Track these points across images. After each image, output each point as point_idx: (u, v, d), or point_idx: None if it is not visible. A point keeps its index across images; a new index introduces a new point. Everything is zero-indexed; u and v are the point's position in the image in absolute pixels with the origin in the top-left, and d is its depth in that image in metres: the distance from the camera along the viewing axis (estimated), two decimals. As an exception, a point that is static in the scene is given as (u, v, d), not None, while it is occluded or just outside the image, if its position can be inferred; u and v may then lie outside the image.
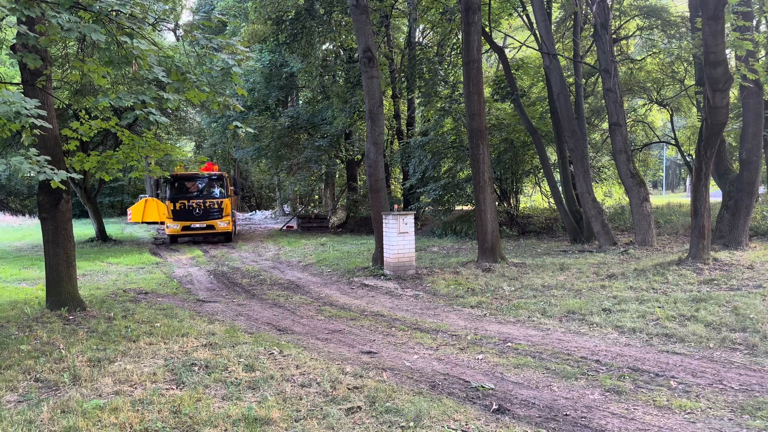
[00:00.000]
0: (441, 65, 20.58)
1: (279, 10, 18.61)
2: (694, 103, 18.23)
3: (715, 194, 12.58)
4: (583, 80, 17.24)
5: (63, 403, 4.24)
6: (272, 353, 5.59)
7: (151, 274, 12.39)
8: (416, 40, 23.09)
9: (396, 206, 11.81)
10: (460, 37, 17.87)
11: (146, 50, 5.45)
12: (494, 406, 4.16)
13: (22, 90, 7.13)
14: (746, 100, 11.31)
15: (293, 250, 16.75)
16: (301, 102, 29.02)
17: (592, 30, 14.75)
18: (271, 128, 23.67)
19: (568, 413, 4.04)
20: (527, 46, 18.56)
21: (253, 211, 40.67)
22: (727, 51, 9.83)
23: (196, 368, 5.08)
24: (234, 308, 8.40)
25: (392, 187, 26.39)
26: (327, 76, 23.72)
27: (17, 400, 4.38)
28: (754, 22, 12.86)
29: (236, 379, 4.76)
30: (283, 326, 7.06)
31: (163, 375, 4.91)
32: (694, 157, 14.44)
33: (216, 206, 19.12)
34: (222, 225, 18.94)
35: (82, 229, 23.24)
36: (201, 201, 18.93)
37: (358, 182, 27.14)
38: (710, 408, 4.06)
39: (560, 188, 16.03)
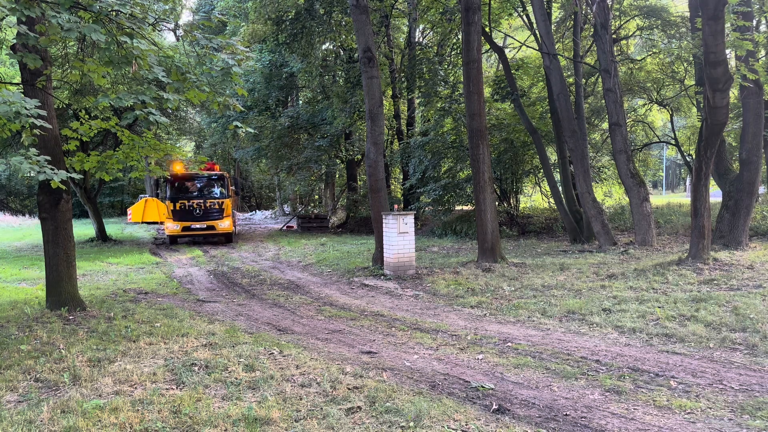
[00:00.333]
0: (441, 65, 20.58)
1: (279, 10, 18.61)
2: (694, 103, 18.23)
3: (715, 194, 12.58)
4: (583, 80, 17.24)
5: (63, 403, 4.24)
6: (272, 353, 5.59)
7: (151, 274, 12.39)
8: (416, 40, 23.09)
9: (396, 206, 11.81)
10: (460, 37, 17.87)
11: (146, 50, 5.45)
12: (494, 406, 4.16)
13: (22, 90, 7.13)
14: (746, 100, 11.31)
15: (293, 250, 16.75)
16: (301, 102, 29.02)
17: (592, 30, 14.75)
18: (271, 128, 23.67)
19: (568, 413, 4.04)
20: (527, 46, 18.56)
21: (253, 211, 40.68)
22: (727, 51, 9.83)
23: (196, 368, 5.08)
24: (234, 308, 8.40)
25: (392, 187, 26.39)
26: (327, 76, 23.72)
27: (17, 400, 4.38)
28: (754, 22, 12.86)
29: (236, 379, 4.76)
30: (283, 326, 7.06)
31: (163, 375, 4.91)
32: (694, 157, 14.44)
33: (217, 206, 18.94)
34: (223, 226, 18.75)
35: (82, 229, 23.24)
36: (201, 201, 18.74)
37: (358, 182, 27.14)
38: (710, 408, 4.06)
39: (560, 188, 16.03)
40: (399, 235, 10.53)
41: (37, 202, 7.71)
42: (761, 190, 16.23)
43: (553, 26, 17.46)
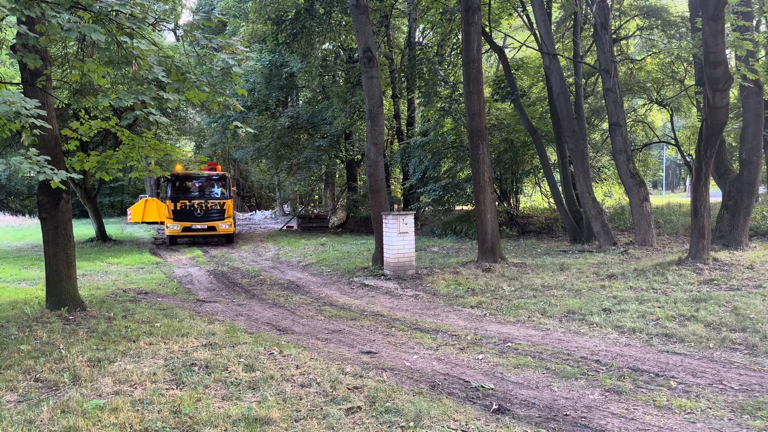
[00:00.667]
0: (441, 65, 20.57)
1: (279, 10, 18.60)
2: (694, 103, 18.23)
3: (715, 194, 12.58)
4: (583, 80, 17.24)
5: (63, 403, 4.23)
6: (272, 353, 5.59)
7: (151, 274, 12.39)
8: (416, 40, 23.09)
9: (396, 206, 11.81)
10: (460, 37, 17.87)
11: (146, 50, 5.45)
12: (494, 406, 4.16)
13: (22, 90, 7.14)
14: (746, 100, 11.31)
15: (293, 250, 16.74)
16: (301, 102, 29.02)
17: (592, 30, 14.75)
18: (271, 128, 23.66)
19: (568, 413, 4.04)
20: (527, 46, 18.56)
21: (253, 211, 40.68)
22: (727, 51, 9.83)
23: (196, 368, 5.08)
24: (234, 308, 8.40)
25: (392, 187, 26.39)
26: (327, 76, 23.72)
27: (17, 400, 4.38)
28: (754, 22, 12.86)
29: (236, 379, 4.76)
30: (283, 326, 7.06)
31: (163, 375, 4.91)
32: (694, 157, 14.44)
33: (218, 207, 18.72)
34: (224, 227, 18.53)
35: (82, 229, 23.24)
36: (203, 201, 18.55)
37: (358, 182, 27.13)
38: (710, 408, 4.06)
39: (560, 188, 16.02)
40: (399, 235, 10.53)
41: (37, 202, 7.71)
42: (761, 190, 16.24)
43: (553, 26, 17.47)
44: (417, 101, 23.84)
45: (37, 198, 7.67)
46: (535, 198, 23.38)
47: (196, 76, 6.15)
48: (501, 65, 18.25)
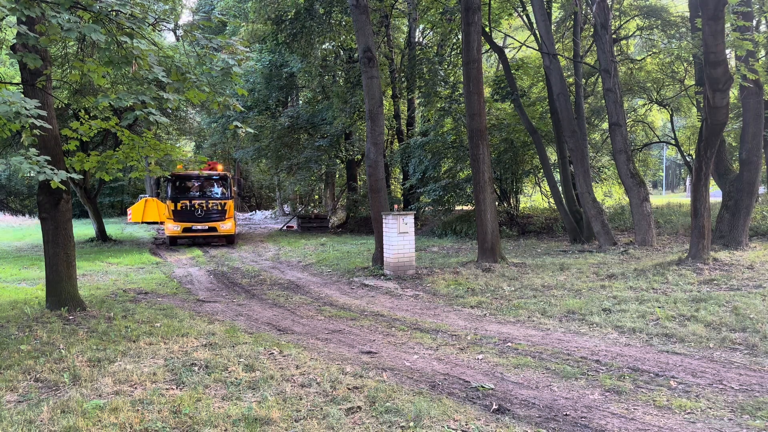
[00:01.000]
0: (441, 65, 20.57)
1: (279, 10, 18.60)
2: (694, 103, 18.23)
3: (715, 194, 12.57)
4: (583, 80, 17.24)
5: (63, 403, 4.23)
6: (272, 353, 5.59)
7: (151, 274, 12.39)
8: (416, 40, 23.09)
9: (396, 206, 11.81)
10: (460, 37, 17.87)
11: (146, 50, 5.45)
12: (494, 406, 4.16)
13: (22, 90, 7.14)
14: (746, 100, 11.31)
15: (293, 250, 16.74)
16: (301, 102, 29.02)
17: (592, 30, 14.75)
18: (271, 128, 23.66)
19: (568, 413, 4.04)
20: (527, 46, 18.56)
21: (253, 211, 40.69)
22: (727, 51, 9.83)
23: (196, 368, 5.08)
24: (234, 308, 8.40)
25: (392, 187, 26.39)
26: (327, 76, 23.71)
27: (17, 400, 4.38)
28: (754, 22, 12.86)
29: (236, 379, 4.76)
30: (283, 326, 7.06)
31: (163, 375, 4.91)
32: (694, 157, 14.44)
33: (219, 207, 18.50)
34: (225, 227, 18.31)
35: (82, 229, 23.24)
36: (203, 201, 18.34)
37: (358, 182, 27.14)
38: (710, 408, 4.06)
39: (560, 188, 16.02)
40: (399, 235, 10.53)
41: (37, 202, 7.71)
42: (761, 190, 16.24)
43: (553, 26, 17.47)
44: (417, 101, 23.83)
45: (37, 198, 7.67)
46: (535, 198, 23.38)
47: (196, 76, 6.15)
48: (501, 65, 18.25)
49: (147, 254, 16.26)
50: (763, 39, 11.98)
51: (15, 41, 7.35)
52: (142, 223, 24.08)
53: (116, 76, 12.91)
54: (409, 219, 10.66)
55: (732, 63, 11.79)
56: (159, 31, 16.03)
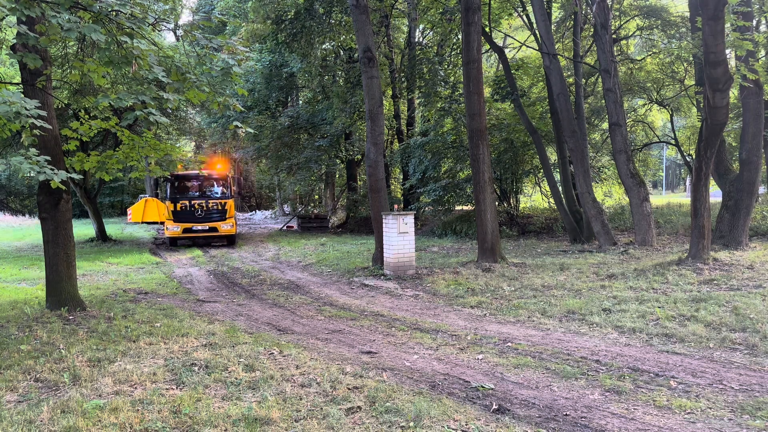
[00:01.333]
0: (441, 65, 20.56)
1: (278, 10, 18.60)
2: (694, 103, 18.23)
3: (715, 194, 12.57)
4: (583, 80, 17.24)
5: (63, 403, 4.24)
6: (272, 353, 5.59)
7: (151, 274, 12.39)
8: (416, 40, 23.09)
9: (396, 206, 11.81)
10: (460, 37, 17.86)
11: (146, 50, 5.45)
12: (494, 406, 4.16)
13: (22, 90, 7.14)
14: (746, 100, 11.31)
15: (293, 250, 16.74)
16: (301, 102, 29.02)
17: (592, 30, 14.74)
18: (271, 128, 23.66)
19: (568, 413, 4.04)
20: (527, 46, 18.56)
21: (253, 211, 40.67)
22: (727, 51, 9.83)
23: (196, 368, 5.08)
24: (234, 308, 8.40)
25: (392, 187, 26.39)
26: (327, 76, 23.71)
27: (17, 400, 4.38)
28: (754, 22, 12.86)
29: (236, 379, 4.76)
30: (283, 326, 7.06)
31: (163, 375, 4.91)
32: (694, 157, 14.44)
33: (219, 207, 18.24)
34: (225, 227, 18.06)
35: (82, 229, 23.24)
36: (203, 201, 18.06)
37: (358, 182, 27.13)
38: (710, 408, 4.06)
39: (560, 188, 16.02)
40: (399, 235, 10.53)
41: (37, 202, 7.71)
42: (761, 190, 16.24)
43: (553, 26, 17.47)
44: (417, 101, 23.83)
45: (37, 198, 7.67)
46: (535, 198, 23.38)
47: (196, 76, 6.15)
48: (501, 65, 18.25)
49: (147, 254, 16.26)
50: (763, 39, 11.98)
51: (15, 41, 7.35)
52: (142, 223, 24.06)
53: (116, 76, 12.91)
54: (409, 219, 10.66)
55: (732, 63, 11.80)
56: (159, 31, 16.03)
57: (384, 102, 18.21)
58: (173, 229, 17.90)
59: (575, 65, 16.04)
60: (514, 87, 16.23)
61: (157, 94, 5.94)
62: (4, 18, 7.45)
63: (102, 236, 20.54)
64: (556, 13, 19.47)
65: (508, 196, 19.90)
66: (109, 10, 5.12)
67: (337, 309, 8.12)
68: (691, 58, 13.33)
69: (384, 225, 10.87)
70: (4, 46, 10.30)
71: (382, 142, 12.07)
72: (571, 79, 16.57)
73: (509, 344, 5.89)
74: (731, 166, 12.80)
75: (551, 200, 18.38)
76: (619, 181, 15.99)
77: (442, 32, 20.71)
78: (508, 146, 18.15)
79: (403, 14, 21.70)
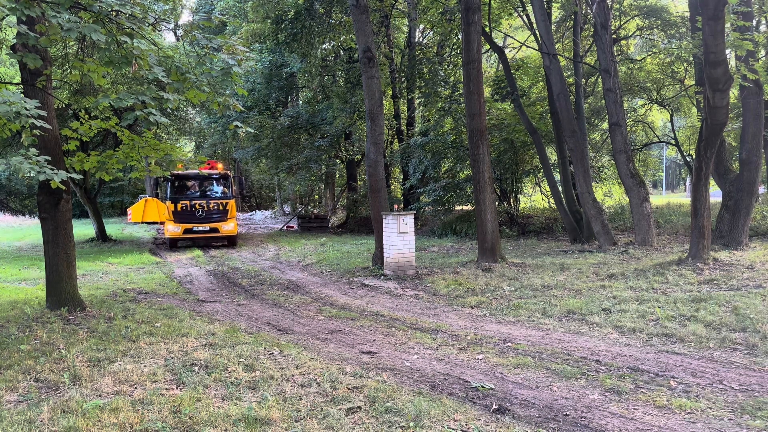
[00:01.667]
0: (441, 65, 20.58)
1: (278, 10, 18.60)
2: (694, 103, 18.23)
3: (715, 194, 12.57)
4: (583, 80, 17.24)
5: (63, 403, 4.24)
6: (272, 353, 5.59)
7: (151, 274, 12.39)
8: (416, 40, 23.09)
9: (396, 206, 11.81)
10: (460, 37, 17.86)
11: (146, 50, 5.45)
12: (494, 406, 4.16)
13: (22, 90, 7.14)
14: (746, 100, 11.31)
15: (293, 250, 16.74)
16: (301, 102, 29.03)
17: (592, 30, 14.75)
18: (271, 128, 23.67)
19: (568, 413, 4.04)
20: (527, 46, 18.56)
21: (253, 211, 40.69)
22: (727, 51, 9.83)
23: (196, 368, 5.08)
24: (234, 308, 8.40)
25: (392, 187, 26.40)
26: (327, 76, 23.73)
27: (17, 400, 4.38)
28: (754, 22, 12.86)
29: (236, 379, 4.76)
30: (283, 326, 7.06)
31: (163, 375, 4.91)
32: (694, 157, 14.43)
33: (220, 208, 17.95)
34: (227, 228, 17.79)
35: (82, 229, 23.25)
36: (204, 202, 17.79)
37: (358, 182, 27.14)
38: (710, 408, 4.06)
39: (560, 188, 16.02)
40: (399, 235, 10.53)
41: (37, 202, 7.71)
42: (761, 190, 16.24)
43: (553, 26, 17.47)
44: (417, 101, 23.84)
45: (37, 198, 7.67)
46: (535, 198, 23.37)
47: (196, 76, 6.15)
48: (501, 65, 18.25)
49: (147, 254, 16.27)
50: (763, 39, 11.98)
51: (15, 41, 7.35)
52: (142, 223, 24.05)
53: (116, 76, 12.90)
54: (409, 219, 10.66)
55: (732, 63, 11.79)
56: (159, 31, 16.03)
57: (384, 102, 18.22)
58: (173, 229, 17.61)
59: (575, 65, 16.04)
60: (514, 87, 16.23)
61: (157, 94, 5.94)
62: (4, 18, 7.45)
63: (102, 236, 20.55)
64: (556, 13, 19.47)
65: (508, 196, 19.89)
66: (109, 10, 5.12)
67: (337, 309, 8.12)
68: (691, 58, 13.33)
69: (384, 225, 10.87)
70: (4, 46, 10.30)
71: (382, 142, 12.07)
72: (571, 79, 16.57)
73: (509, 344, 5.89)
74: (731, 166, 12.80)
75: (551, 200, 18.38)
76: (619, 181, 15.98)
77: (442, 32, 20.72)
78: (508, 146, 18.15)
79: (403, 14, 21.70)
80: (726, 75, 8.45)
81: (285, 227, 25.60)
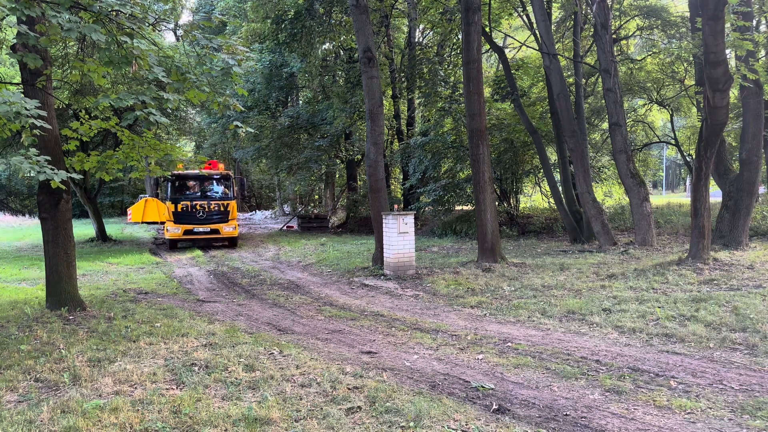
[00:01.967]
0: (441, 65, 20.57)
1: (278, 10, 18.60)
2: (694, 103, 18.24)
3: (715, 194, 12.57)
4: (583, 80, 17.24)
5: (63, 403, 4.24)
6: (272, 353, 5.59)
7: (151, 274, 12.39)
8: (416, 40, 23.09)
9: (396, 206, 11.81)
10: (460, 37, 17.87)
11: (146, 50, 5.45)
12: (494, 406, 4.16)
13: (22, 90, 7.14)
14: (746, 100, 11.31)
15: (293, 250, 16.74)
16: (301, 102, 29.04)
17: (592, 30, 14.75)
18: (271, 128, 23.67)
19: (568, 413, 4.04)
20: (527, 46, 18.57)
21: (253, 211, 40.70)
22: (727, 51, 9.83)
23: (196, 368, 5.08)
24: (234, 308, 8.40)
25: (392, 187, 26.40)
26: (327, 76, 23.72)
27: (17, 400, 4.38)
28: (754, 22, 12.86)
29: (236, 379, 4.76)
30: (283, 326, 7.06)
31: (163, 375, 4.91)
32: (694, 157, 14.43)
33: (221, 209, 17.74)
34: (228, 230, 17.61)
35: (82, 229, 23.25)
36: (205, 202, 17.56)
37: (358, 182, 27.14)
38: (710, 408, 4.06)
39: (560, 188, 16.03)
40: (399, 235, 10.53)
41: (37, 202, 7.71)
42: (761, 190, 16.24)
43: (553, 26, 17.48)
44: (417, 101, 23.84)
45: (37, 198, 7.67)
46: (535, 198, 23.38)
47: (196, 76, 6.15)
48: (501, 65, 18.25)
49: (147, 254, 16.26)
50: (763, 39, 11.97)
51: (15, 41, 7.35)
52: (142, 223, 24.02)
53: (116, 76, 12.90)
54: (409, 219, 10.66)
55: (732, 63, 11.79)
56: (159, 31, 16.03)
57: (384, 102, 18.21)
58: (174, 230, 17.37)
59: (575, 65, 16.04)
60: (514, 87, 16.23)
61: (157, 94, 5.94)
62: (4, 18, 7.45)
63: (102, 236, 20.55)
64: (556, 13, 19.48)
65: (508, 196, 19.89)
66: (109, 10, 5.12)
67: (337, 309, 8.12)
68: (691, 58, 13.33)
69: (384, 225, 10.87)
70: (4, 46, 10.30)
71: (382, 142, 12.07)
72: (571, 79, 16.57)
73: (509, 344, 5.89)
74: (731, 166, 12.80)
75: (551, 200, 18.38)
76: (619, 181, 15.99)
77: (442, 32, 20.73)
78: (508, 146, 18.15)
79: (403, 14, 21.70)
80: (726, 75, 8.45)
81: (285, 227, 25.60)
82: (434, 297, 8.80)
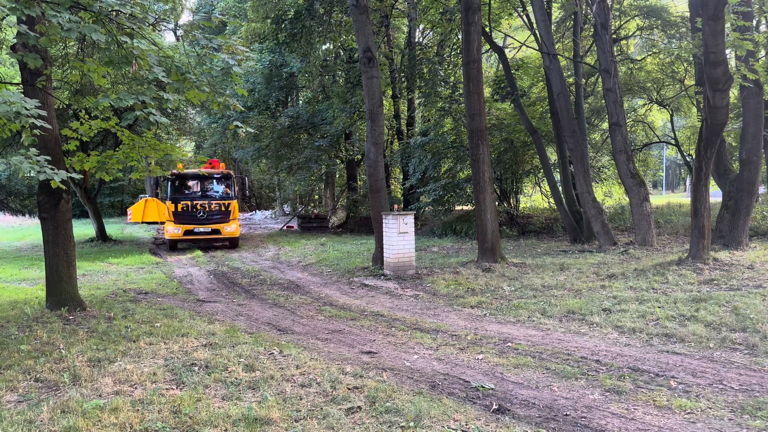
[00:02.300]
0: (441, 65, 20.57)
1: (278, 10, 18.60)
2: (694, 103, 18.24)
3: (715, 194, 12.57)
4: (583, 80, 17.24)
5: (63, 403, 4.24)
6: (272, 353, 5.59)
7: (151, 274, 12.39)
8: (416, 40, 23.09)
9: (396, 206, 11.81)
10: (460, 37, 17.86)
11: (146, 50, 5.45)
12: (494, 406, 4.16)
13: (22, 90, 7.14)
14: (746, 100, 11.31)
15: (293, 250, 16.74)
16: (301, 102, 29.04)
17: (592, 30, 14.75)
18: (271, 128, 23.67)
19: (568, 413, 4.04)
20: (527, 46, 18.56)
21: (253, 211, 40.70)
22: (727, 51, 9.83)
23: (196, 368, 5.08)
24: (234, 308, 8.40)
25: (392, 187, 26.40)
26: (327, 76, 23.72)
27: (17, 400, 4.38)
28: (754, 22, 12.86)
29: (236, 379, 4.76)
30: (283, 326, 7.06)
31: (163, 375, 4.91)
32: (694, 157, 14.44)
33: (222, 208, 17.52)
34: (229, 230, 17.39)
35: (82, 229, 23.25)
36: (206, 202, 17.35)
37: (358, 182, 27.14)
38: (710, 408, 4.06)
39: (560, 188, 16.02)
40: (399, 235, 10.53)
41: (37, 202, 7.71)
42: (761, 190, 16.24)
43: (553, 26, 17.48)
44: (417, 101, 23.83)
45: (37, 198, 7.67)
46: (535, 198, 23.38)
47: (196, 76, 6.14)
48: (501, 65, 18.25)
49: (147, 254, 16.26)
50: (763, 39, 11.98)
51: (15, 41, 7.35)
52: (142, 223, 23.99)
53: (116, 76, 12.91)
54: (409, 219, 10.66)
55: (732, 63, 11.79)
56: (159, 31, 16.03)
57: (384, 102, 18.21)
58: (174, 230, 17.14)
59: (575, 65, 16.04)
60: (514, 87, 16.23)
61: (157, 94, 5.94)
62: (4, 18, 7.45)
63: (102, 236, 20.54)
64: (556, 13, 19.48)
65: (508, 196, 19.89)
66: (109, 10, 5.12)
67: (337, 309, 8.12)
68: (691, 58, 13.33)
69: (384, 225, 10.87)
70: (4, 46, 10.30)
71: (382, 142, 12.07)
72: (571, 79, 16.57)
73: (509, 344, 5.89)
74: (731, 166, 12.80)
75: (551, 200, 18.38)
76: (619, 181, 15.98)
77: (442, 32, 20.72)
78: (508, 146, 18.15)
79: (403, 14, 21.70)
80: (726, 75, 8.45)
81: (285, 227, 25.59)
82: (434, 297, 8.80)
